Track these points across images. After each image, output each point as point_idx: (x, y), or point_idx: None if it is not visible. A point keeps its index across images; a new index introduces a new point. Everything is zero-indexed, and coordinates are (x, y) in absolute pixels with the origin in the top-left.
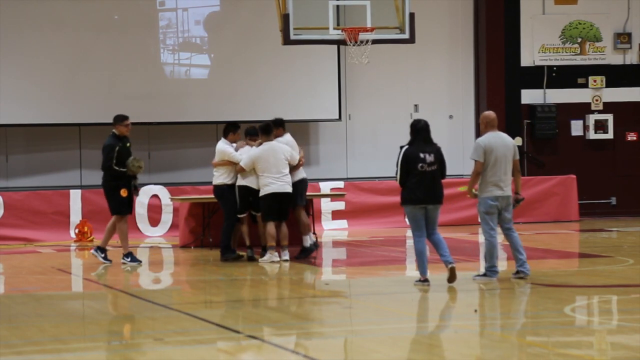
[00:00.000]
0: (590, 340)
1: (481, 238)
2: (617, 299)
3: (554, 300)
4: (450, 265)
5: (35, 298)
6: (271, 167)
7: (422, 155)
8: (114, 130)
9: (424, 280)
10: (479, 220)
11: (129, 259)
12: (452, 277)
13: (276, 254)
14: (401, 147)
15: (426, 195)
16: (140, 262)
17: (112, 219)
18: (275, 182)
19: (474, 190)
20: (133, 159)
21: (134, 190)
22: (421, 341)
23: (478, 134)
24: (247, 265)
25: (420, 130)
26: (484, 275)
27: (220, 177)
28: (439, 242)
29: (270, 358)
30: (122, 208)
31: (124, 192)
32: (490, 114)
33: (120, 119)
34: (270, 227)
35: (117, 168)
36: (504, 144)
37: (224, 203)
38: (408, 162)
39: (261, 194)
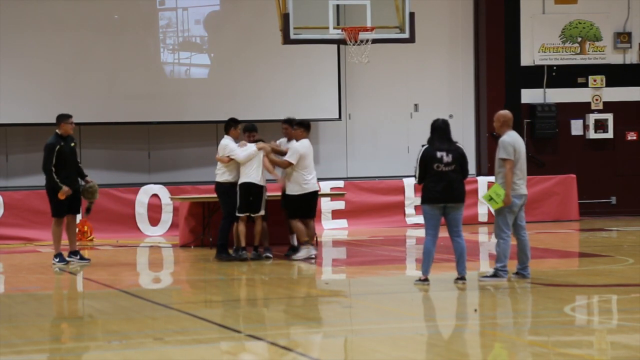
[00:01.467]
0: (590, 340)
1: (481, 238)
2: (617, 298)
3: (554, 300)
4: (460, 276)
5: (35, 298)
6: (311, 164)
7: (439, 155)
8: (57, 130)
9: (425, 280)
10: (496, 218)
11: (57, 259)
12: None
13: (312, 247)
14: (422, 146)
15: (444, 194)
16: (68, 262)
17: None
18: (312, 180)
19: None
20: (84, 188)
21: (86, 211)
22: (421, 341)
23: (478, 133)
24: (247, 265)
25: (436, 129)
26: (494, 275)
27: (224, 174)
28: (461, 251)
29: (270, 358)
30: (59, 211)
31: (61, 195)
32: (508, 113)
33: (63, 117)
34: (299, 223)
35: (54, 176)
36: (522, 142)
37: (225, 201)
38: (425, 161)
39: (298, 192)
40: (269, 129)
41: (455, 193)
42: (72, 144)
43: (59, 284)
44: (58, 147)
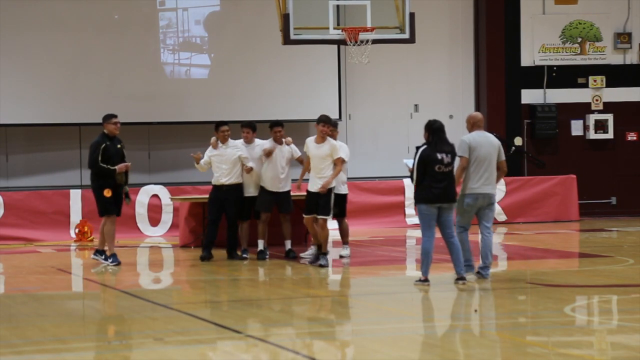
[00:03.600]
0: (590, 340)
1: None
2: (617, 298)
3: (554, 300)
4: (459, 276)
5: (35, 298)
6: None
7: (439, 156)
8: (104, 129)
9: (425, 280)
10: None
11: (110, 260)
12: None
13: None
14: (417, 148)
15: (441, 194)
16: (120, 263)
17: (102, 221)
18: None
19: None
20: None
21: (125, 198)
22: (421, 341)
23: None
24: (247, 265)
25: (437, 131)
26: (477, 273)
27: (234, 176)
28: (456, 251)
29: (270, 358)
30: (108, 208)
31: (107, 192)
32: (477, 114)
33: (107, 117)
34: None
35: (103, 165)
36: (490, 142)
37: (238, 203)
38: (425, 163)
39: (342, 191)
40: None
41: (451, 193)
42: (119, 146)
43: (59, 284)
44: (103, 145)
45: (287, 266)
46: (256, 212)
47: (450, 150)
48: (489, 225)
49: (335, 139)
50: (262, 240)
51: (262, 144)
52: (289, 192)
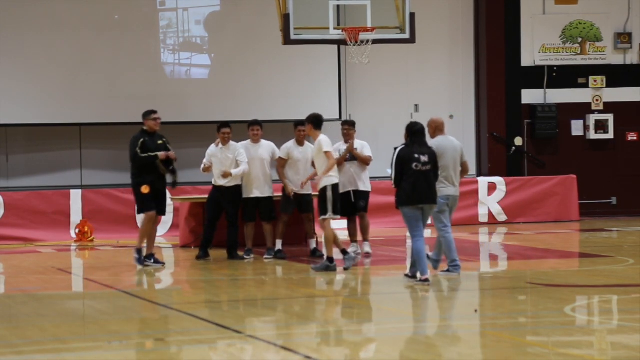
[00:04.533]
0: (590, 340)
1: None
2: (617, 298)
3: (554, 300)
4: (423, 277)
5: (35, 298)
6: None
7: (416, 155)
8: (143, 126)
9: (425, 280)
10: (433, 218)
11: (151, 260)
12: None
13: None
14: (395, 149)
15: (422, 195)
16: (164, 265)
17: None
18: None
19: None
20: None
21: (171, 185)
22: (421, 341)
23: (479, 134)
24: (247, 265)
25: (417, 133)
26: (447, 271)
27: (233, 178)
28: (420, 252)
29: (270, 358)
30: (145, 205)
31: (144, 189)
32: (439, 119)
33: (146, 113)
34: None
35: (143, 155)
36: (453, 146)
37: (237, 203)
38: (403, 162)
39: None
40: (269, 130)
41: (434, 194)
42: (160, 142)
43: (59, 285)
44: (142, 140)
45: (287, 266)
46: (265, 213)
47: (428, 152)
48: (449, 224)
49: (352, 138)
50: (280, 240)
51: (268, 144)
52: (311, 192)
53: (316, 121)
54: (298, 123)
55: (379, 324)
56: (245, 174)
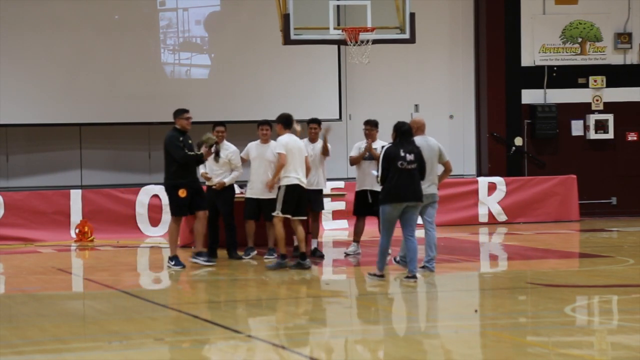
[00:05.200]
0: (590, 340)
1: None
2: (617, 298)
3: (554, 300)
4: (411, 275)
5: (35, 298)
6: None
7: (402, 153)
8: (175, 125)
9: (380, 276)
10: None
11: (172, 262)
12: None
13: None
14: (382, 147)
15: (406, 192)
16: (184, 266)
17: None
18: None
19: None
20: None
21: (215, 153)
22: (421, 341)
23: (479, 134)
24: (247, 265)
25: (404, 133)
26: (397, 262)
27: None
28: (414, 250)
29: (271, 358)
30: (179, 209)
31: (182, 193)
32: (420, 119)
33: (178, 112)
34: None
35: (191, 153)
36: (430, 147)
37: (230, 203)
38: (389, 159)
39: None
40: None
41: (418, 192)
42: (190, 142)
43: (59, 285)
44: (181, 138)
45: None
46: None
47: (415, 151)
48: (432, 221)
49: (375, 139)
50: (315, 240)
51: (274, 145)
52: (321, 190)
53: (286, 121)
54: (312, 121)
55: (379, 323)
56: (238, 178)
